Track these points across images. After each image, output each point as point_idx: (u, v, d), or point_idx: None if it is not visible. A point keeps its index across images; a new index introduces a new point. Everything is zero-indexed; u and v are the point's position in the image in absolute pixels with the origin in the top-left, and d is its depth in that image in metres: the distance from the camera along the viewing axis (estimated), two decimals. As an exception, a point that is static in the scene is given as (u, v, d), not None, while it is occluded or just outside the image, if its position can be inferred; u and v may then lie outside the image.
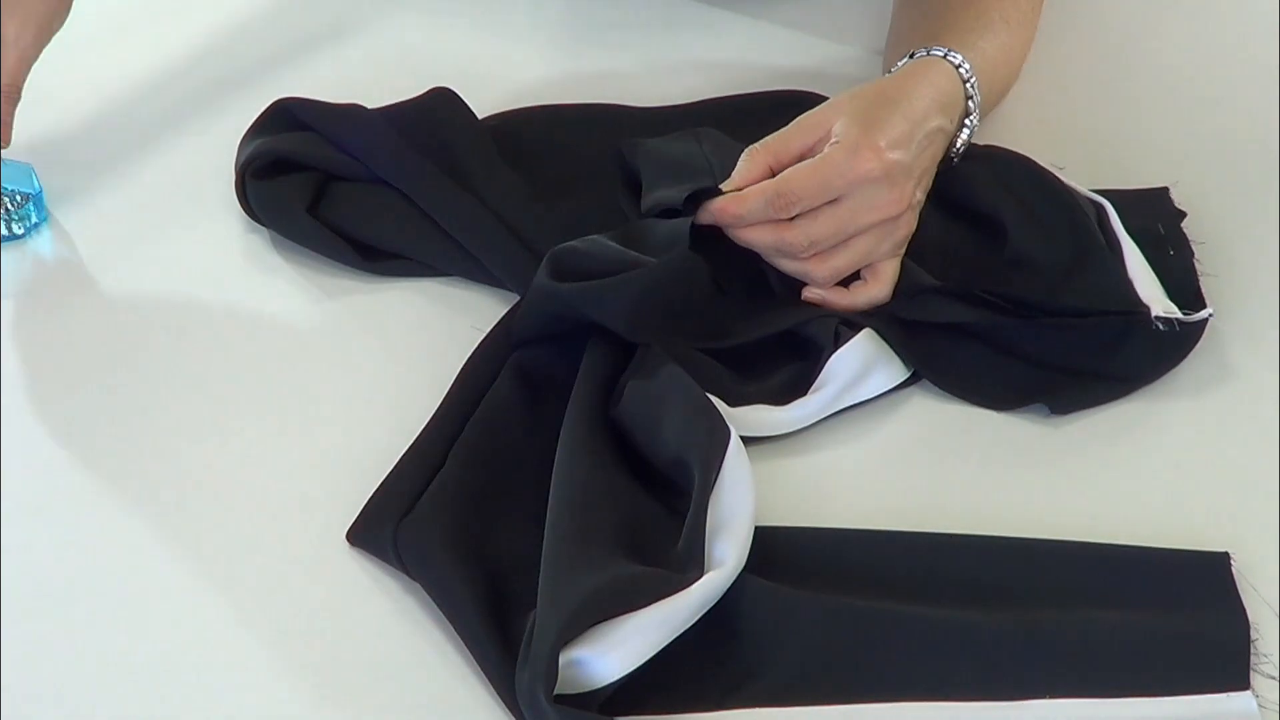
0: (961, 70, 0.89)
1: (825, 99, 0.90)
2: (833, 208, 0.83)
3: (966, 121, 0.91)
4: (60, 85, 1.07)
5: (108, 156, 1.01)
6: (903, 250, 0.86)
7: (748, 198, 0.83)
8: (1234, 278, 0.91)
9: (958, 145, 0.91)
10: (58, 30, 0.93)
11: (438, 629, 0.73)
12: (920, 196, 0.87)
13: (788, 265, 0.86)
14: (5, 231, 0.94)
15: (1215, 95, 1.08)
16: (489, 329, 0.86)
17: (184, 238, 0.95)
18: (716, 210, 0.84)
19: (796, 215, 0.83)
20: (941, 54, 0.90)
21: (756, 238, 0.85)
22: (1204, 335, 0.86)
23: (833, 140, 0.83)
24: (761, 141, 0.86)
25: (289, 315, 0.90)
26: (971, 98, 0.90)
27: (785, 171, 0.84)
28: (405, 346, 0.88)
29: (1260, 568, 0.77)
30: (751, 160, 0.85)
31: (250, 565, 0.76)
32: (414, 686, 0.71)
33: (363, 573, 0.76)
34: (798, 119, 0.86)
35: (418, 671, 0.71)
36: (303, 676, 0.71)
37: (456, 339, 0.87)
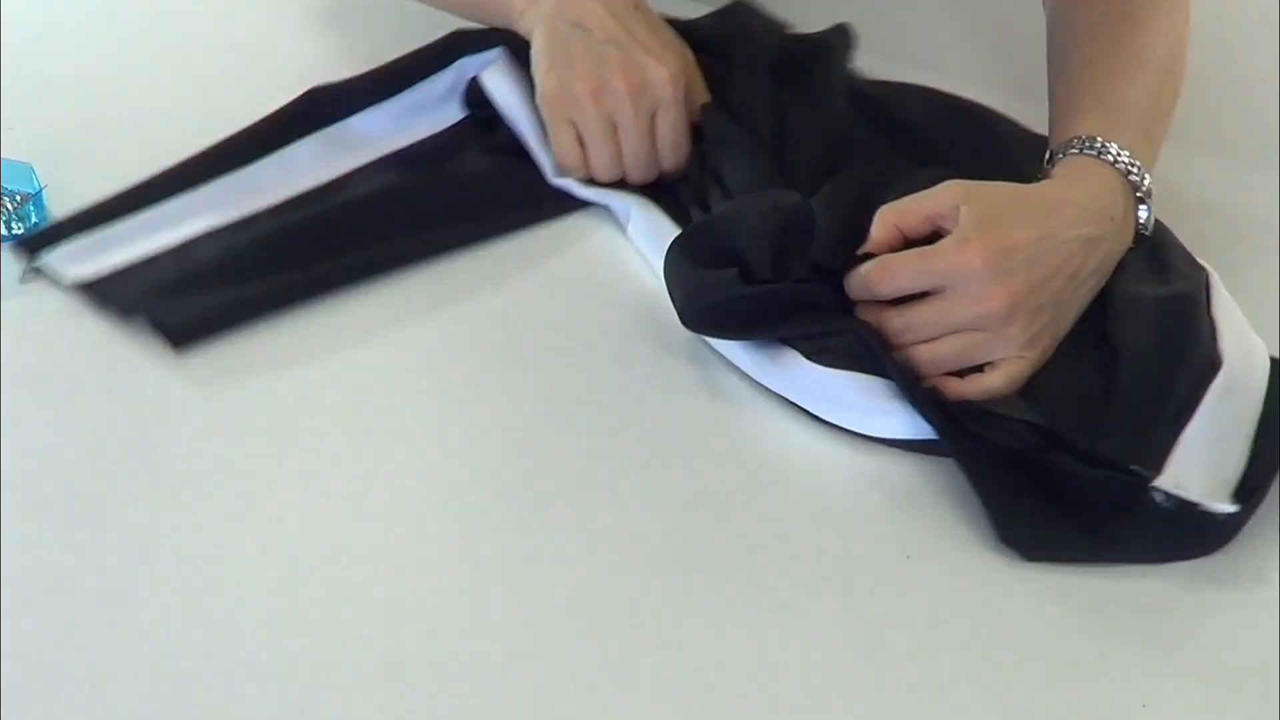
0: (1119, 166, 0.87)
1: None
2: (935, 298, 0.81)
3: (1139, 211, 0.88)
4: (60, 85, 1.07)
5: (108, 156, 1.01)
6: (1032, 354, 0.83)
7: (852, 274, 0.83)
8: (1234, 278, 0.92)
9: (1143, 221, 0.88)
10: None
11: (439, 630, 0.73)
12: (1046, 301, 0.82)
13: (896, 351, 0.83)
14: (5, 231, 0.94)
15: (1215, 95, 1.08)
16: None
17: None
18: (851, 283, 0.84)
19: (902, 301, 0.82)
20: (1095, 152, 0.87)
21: (866, 316, 0.84)
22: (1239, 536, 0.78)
23: (953, 227, 0.81)
24: (893, 204, 0.84)
25: (291, 314, 0.90)
26: (1134, 183, 0.87)
27: (888, 255, 0.82)
28: (407, 348, 0.88)
29: (1260, 567, 0.77)
30: (882, 223, 0.83)
31: (249, 565, 0.76)
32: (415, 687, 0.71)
33: (363, 574, 0.76)
34: (938, 186, 0.83)
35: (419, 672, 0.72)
36: (302, 677, 0.71)
37: (459, 344, 0.87)
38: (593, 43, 0.91)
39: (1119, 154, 0.87)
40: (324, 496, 0.79)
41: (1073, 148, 0.88)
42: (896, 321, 0.82)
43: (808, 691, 0.71)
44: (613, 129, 0.92)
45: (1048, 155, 0.90)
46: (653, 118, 0.93)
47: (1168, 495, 0.77)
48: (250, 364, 0.87)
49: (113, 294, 0.86)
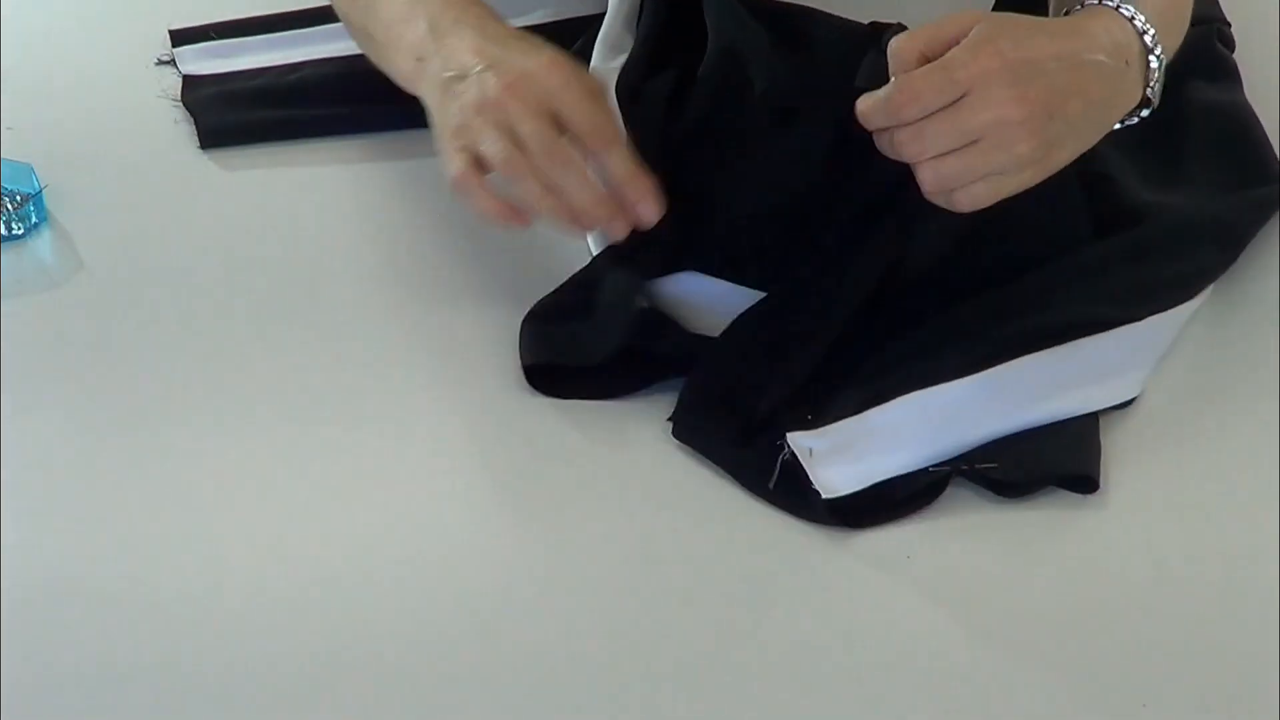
0: (1136, 22, 0.84)
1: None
2: (950, 111, 0.78)
3: (1151, 60, 0.85)
4: (60, 85, 1.07)
5: (108, 156, 1.01)
6: (1026, 175, 0.80)
7: (868, 101, 0.80)
8: (1234, 279, 0.91)
9: (1151, 84, 0.85)
10: None
11: (439, 629, 0.73)
12: (1061, 127, 0.80)
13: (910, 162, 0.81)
14: (5, 231, 0.94)
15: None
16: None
17: (184, 238, 0.95)
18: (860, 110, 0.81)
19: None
20: (1114, 4, 0.85)
21: (881, 141, 0.81)
22: None
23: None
24: (909, 31, 0.81)
25: (290, 314, 0.90)
26: (1147, 42, 0.84)
27: (906, 74, 0.79)
28: (408, 349, 0.88)
29: (1261, 568, 0.77)
30: (902, 51, 0.80)
31: (251, 565, 0.76)
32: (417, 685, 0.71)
33: (365, 577, 0.76)
34: (954, 14, 0.81)
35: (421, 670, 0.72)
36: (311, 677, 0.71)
37: (459, 343, 0.88)
38: (471, 76, 0.84)
39: (1136, 14, 0.85)
40: (324, 496, 0.79)
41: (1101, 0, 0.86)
42: (906, 132, 0.79)
43: (808, 692, 0.71)
44: (517, 143, 0.82)
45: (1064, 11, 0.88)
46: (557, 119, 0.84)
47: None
48: (251, 364, 0.87)
49: (189, 93, 1.06)
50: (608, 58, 1.02)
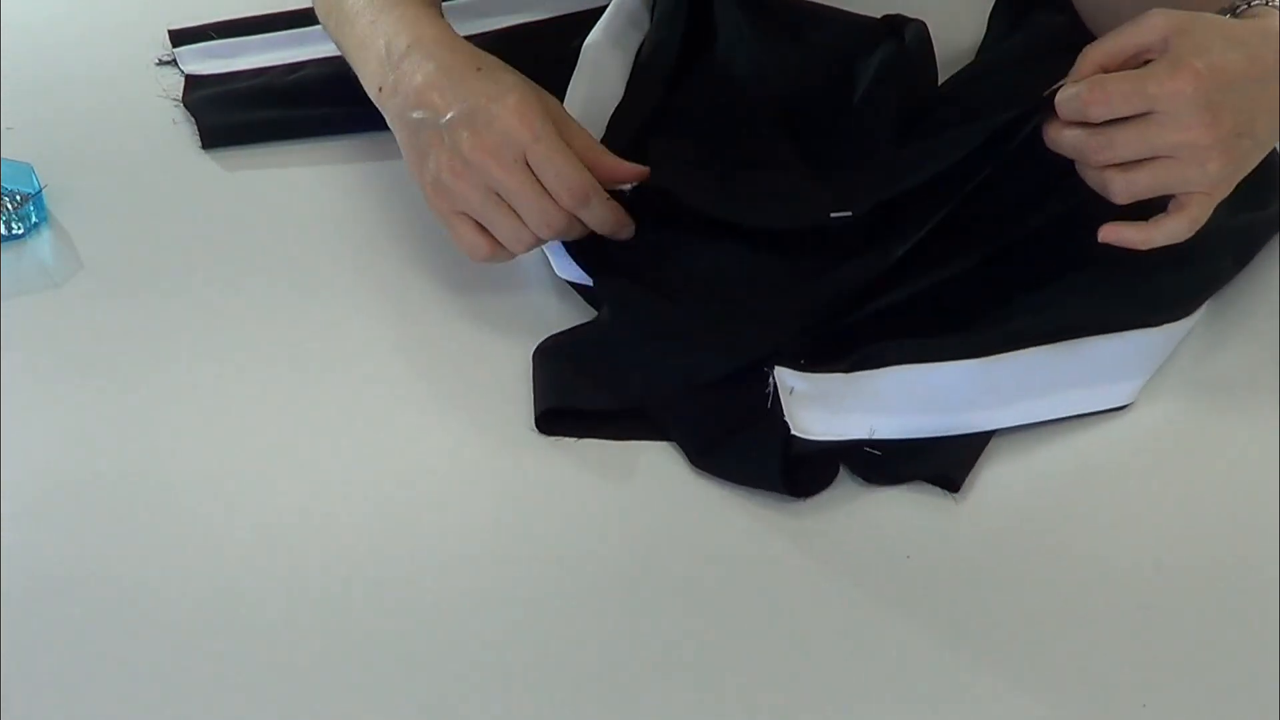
0: None
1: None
2: (1141, 121, 0.79)
3: None
4: (60, 85, 1.07)
5: (108, 156, 1.01)
6: (1219, 193, 0.82)
7: (1062, 93, 0.81)
8: (1233, 283, 0.91)
9: None
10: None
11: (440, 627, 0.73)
12: (1248, 144, 0.80)
13: (1090, 176, 0.83)
14: (5, 231, 0.94)
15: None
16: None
17: (184, 238, 0.95)
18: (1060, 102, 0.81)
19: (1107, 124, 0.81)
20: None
21: (1063, 138, 0.82)
22: None
23: (1161, 53, 0.80)
24: (1097, 41, 0.82)
25: (290, 314, 0.90)
26: None
27: (1102, 75, 0.81)
28: (408, 349, 0.88)
29: (1261, 569, 0.77)
30: (1087, 61, 0.82)
31: (250, 566, 0.76)
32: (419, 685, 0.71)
33: (367, 580, 0.76)
34: (1143, 17, 0.81)
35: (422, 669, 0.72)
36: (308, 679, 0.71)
37: (458, 339, 0.88)
38: (440, 124, 0.84)
39: None
40: (325, 496, 0.79)
41: (1240, 4, 0.85)
42: (1099, 139, 0.81)
43: (808, 692, 0.71)
44: (500, 199, 0.84)
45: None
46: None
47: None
48: (251, 364, 0.87)
49: (190, 93, 1.06)
50: (611, 52, 1.02)
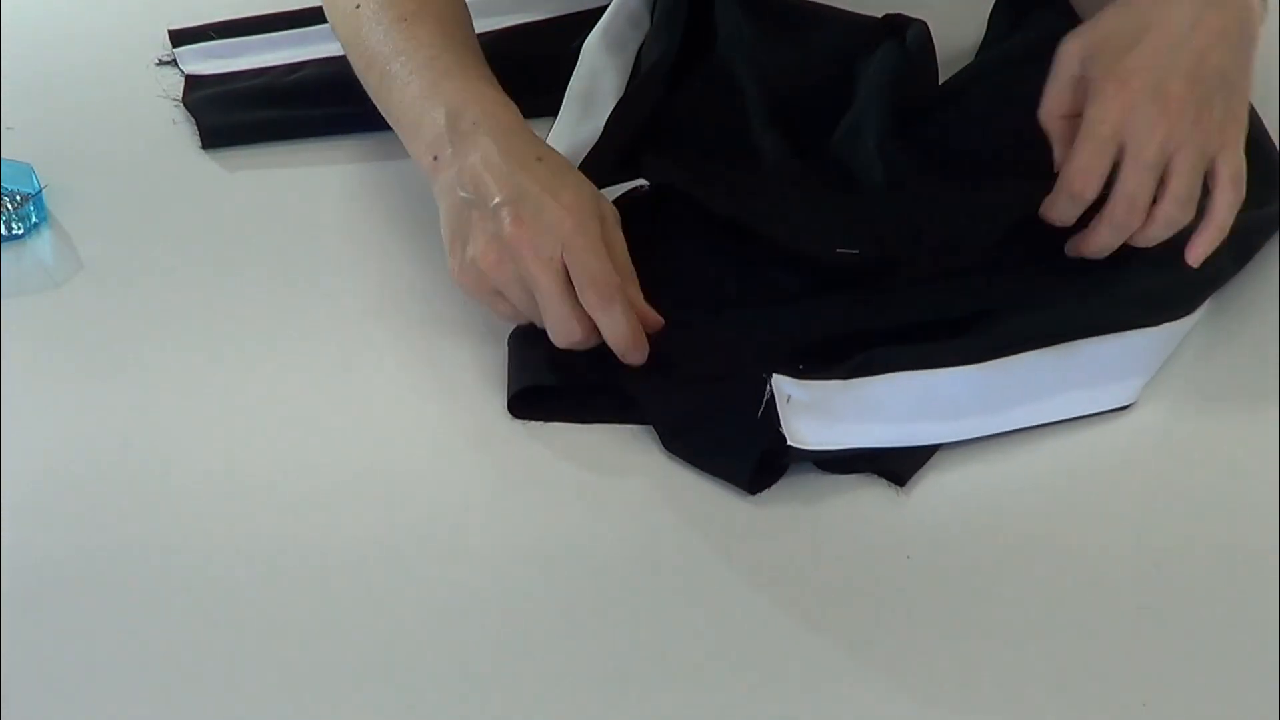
0: None
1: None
2: (1121, 167, 0.82)
3: None
4: (60, 85, 1.07)
5: (108, 156, 1.01)
6: (1231, 138, 0.84)
7: (1052, 207, 0.85)
8: (1234, 283, 0.91)
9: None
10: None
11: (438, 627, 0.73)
12: (1212, 87, 0.83)
13: (1136, 239, 0.85)
14: (5, 231, 0.94)
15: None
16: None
17: (184, 238, 0.95)
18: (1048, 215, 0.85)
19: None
20: None
21: (1094, 244, 0.85)
22: None
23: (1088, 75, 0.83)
24: (1041, 105, 0.86)
25: (290, 314, 0.90)
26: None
27: (1064, 169, 0.84)
28: (409, 349, 0.88)
29: (1260, 569, 0.77)
30: (1050, 121, 0.86)
31: (250, 566, 0.76)
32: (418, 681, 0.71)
33: (368, 579, 0.76)
34: (1057, 57, 0.85)
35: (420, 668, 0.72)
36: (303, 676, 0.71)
37: (455, 337, 0.88)
38: (488, 209, 0.81)
39: None
40: (324, 495, 0.79)
41: None
42: (1118, 213, 0.83)
43: (807, 693, 0.71)
44: (527, 293, 0.81)
45: None
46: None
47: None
48: (251, 364, 0.87)
49: (191, 94, 1.06)
50: (611, 52, 1.02)
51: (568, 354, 0.83)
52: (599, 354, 0.83)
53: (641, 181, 0.93)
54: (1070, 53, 0.85)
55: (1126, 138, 0.82)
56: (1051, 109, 0.87)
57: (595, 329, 0.81)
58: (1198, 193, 0.84)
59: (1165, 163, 0.82)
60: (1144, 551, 0.78)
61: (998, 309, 0.86)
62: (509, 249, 0.80)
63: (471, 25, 0.95)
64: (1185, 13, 0.84)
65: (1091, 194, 0.83)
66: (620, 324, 0.80)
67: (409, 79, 0.88)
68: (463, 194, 0.82)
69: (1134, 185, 0.83)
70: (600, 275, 0.79)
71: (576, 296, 0.80)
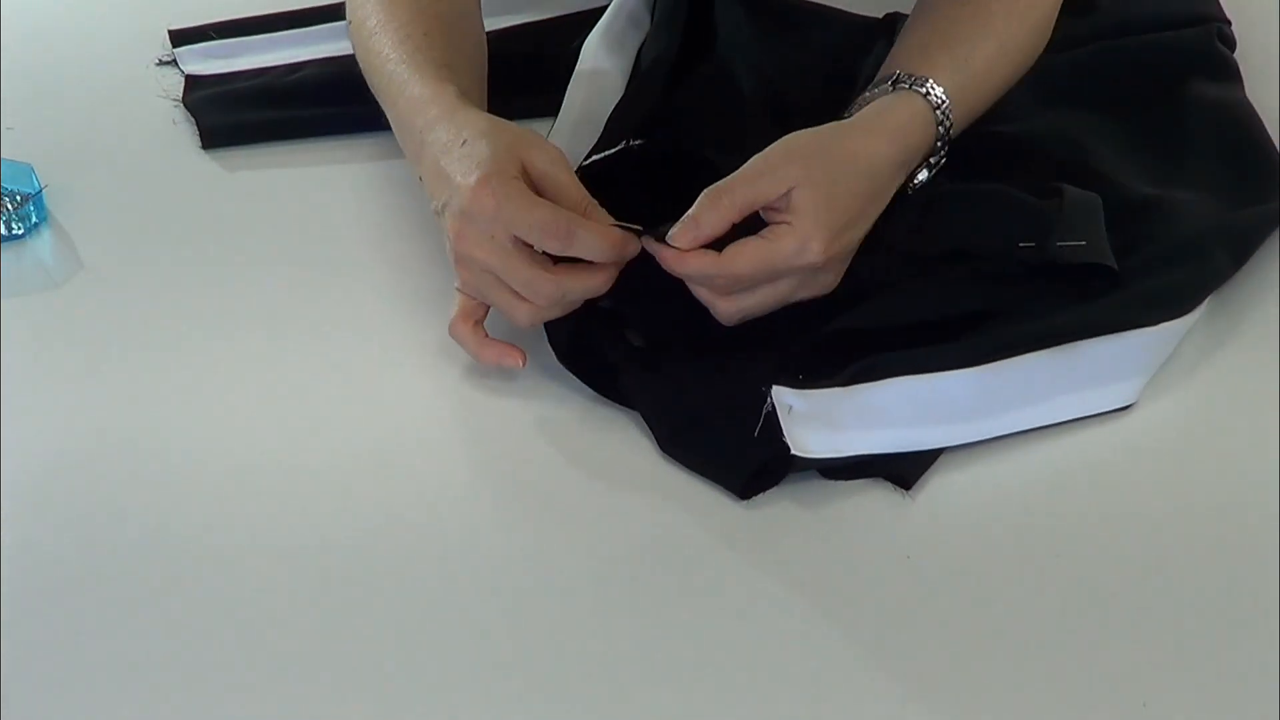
0: (939, 112, 0.88)
1: None
2: (771, 285, 0.82)
3: (930, 160, 0.89)
4: (60, 85, 1.07)
5: (108, 156, 1.01)
6: (816, 293, 0.85)
7: (689, 262, 0.81)
8: (1234, 283, 0.91)
9: (914, 183, 0.90)
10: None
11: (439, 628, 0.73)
12: (853, 248, 0.85)
13: (700, 294, 0.83)
14: (5, 231, 0.94)
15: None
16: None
17: (184, 238, 0.95)
18: (661, 254, 0.82)
19: None
20: (922, 90, 0.88)
21: (693, 286, 0.83)
22: None
23: (781, 219, 0.80)
24: (726, 187, 0.81)
25: (291, 314, 0.90)
26: (941, 138, 0.89)
27: (730, 250, 0.80)
28: (408, 348, 0.88)
29: (1261, 569, 0.77)
30: (714, 214, 0.81)
31: (252, 565, 0.76)
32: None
33: (368, 580, 0.76)
34: (762, 162, 0.82)
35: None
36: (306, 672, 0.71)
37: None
38: (442, 223, 0.83)
39: (941, 100, 0.88)
40: (324, 495, 0.79)
41: (902, 83, 0.89)
42: (733, 310, 0.83)
43: (808, 693, 0.71)
44: (496, 278, 0.82)
45: (873, 83, 0.91)
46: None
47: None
48: (251, 364, 0.87)
49: (191, 94, 1.06)
50: (611, 51, 1.02)
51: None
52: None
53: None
54: (784, 179, 0.81)
55: (790, 278, 0.82)
56: (725, 213, 0.81)
57: (568, 280, 0.81)
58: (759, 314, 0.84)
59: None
60: (1144, 551, 0.78)
61: (996, 311, 0.86)
62: (459, 256, 0.82)
63: (469, 37, 0.96)
64: (892, 166, 0.85)
65: (721, 287, 0.82)
66: (591, 243, 0.80)
67: (397, 95, 0.89)
68: (431, 205, 0.84)
69: (757, 301, 0.82)
70: (544, 222, 0.79)
71: (537, 259, 0.81)
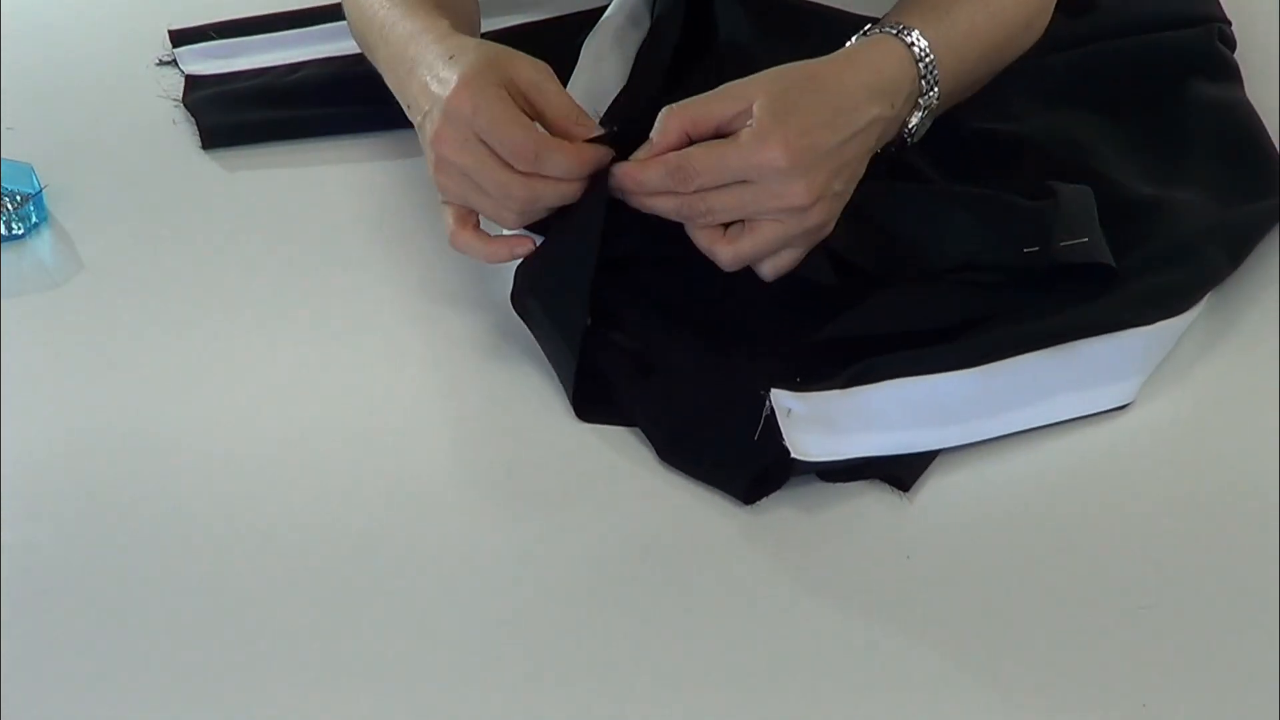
0: (915, 49, 0.87)
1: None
2: (737, 187, 0.81)
3: (919, 102, 0.88)
4: (60, 85, 1.07)
5: (108, 156, 1.01)
6: (816, 240, 0.85)
7: (648, 167, 0.82)
8: (1233, 282, 0.91)
9: (910, 127, 0.89)
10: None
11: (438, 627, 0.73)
12: (840, 187, 0.84)
13: (699, 237, 0.84)
14: (5, 231, 0.94)
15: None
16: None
17: (184, 238, 0.95)
18: (619, 175, 0.82)
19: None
20: (894, 31, 0.87)
21: (657, 204, 0.83)
22: None
23: (749, 122, 0.81)
24: (681, 104, 0.83)
25: (291, 314, 0.90)
26: (925, 77, 0.87)
27: (690, 148, 0.82)
28: (408, 348, 0.88)
29: (1261, 569, 0.77)
30: (666, 124, 0.82)
31: (252, 565, 0.76)
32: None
33: (367, 581, 0.76)
34: (722, 87, 0.83)
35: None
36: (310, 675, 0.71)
37: (455, 332, 0.88)
38: (420, 129, 0.86)
39: (916, 41, 0.87)
40: (324, 494, 0.79)
41: (874, 29, 0.89)
42: (698, 204, 0.82)
43: (807, 692, 0.71)
44: (473, 182, 0.84)
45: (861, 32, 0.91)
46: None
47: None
48: (251, 364, 0.87)
49: (191, 94, 1.06)
50: (612, 50, 1.02)
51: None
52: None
53: None
54: (744, 92, 0.82)
55: (758, 184, 0.81)
56: (682, 124, 0.82)
57: (540, 185, 0.82)
58: (757, 259, 0.84)
59: (772, 219, 0.82)
60: (1143, 550, 0.78)
61: (992, 311, 0.86)
62: (436, 156, 0.83)
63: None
64: (868, 99, 0.84)
65: (683, 190, 0.81)
66: (560, 162, 0.82)
67: (385, 37, 0.91)
68: (415, 119, 0.86)
69: (725, 207, 0.81)
70: (513, 143, 0.81)
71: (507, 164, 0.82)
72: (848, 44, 0.89)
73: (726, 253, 0.83)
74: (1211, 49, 1.04)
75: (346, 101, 0.99)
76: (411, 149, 0.99)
